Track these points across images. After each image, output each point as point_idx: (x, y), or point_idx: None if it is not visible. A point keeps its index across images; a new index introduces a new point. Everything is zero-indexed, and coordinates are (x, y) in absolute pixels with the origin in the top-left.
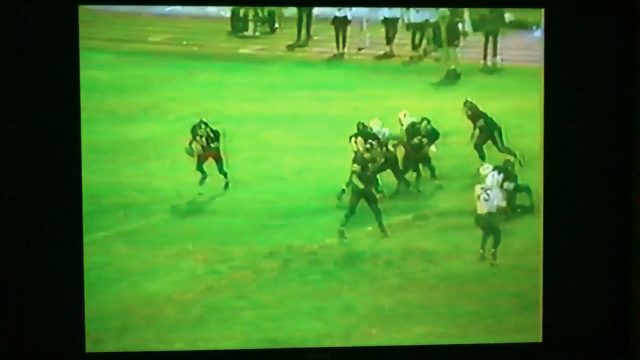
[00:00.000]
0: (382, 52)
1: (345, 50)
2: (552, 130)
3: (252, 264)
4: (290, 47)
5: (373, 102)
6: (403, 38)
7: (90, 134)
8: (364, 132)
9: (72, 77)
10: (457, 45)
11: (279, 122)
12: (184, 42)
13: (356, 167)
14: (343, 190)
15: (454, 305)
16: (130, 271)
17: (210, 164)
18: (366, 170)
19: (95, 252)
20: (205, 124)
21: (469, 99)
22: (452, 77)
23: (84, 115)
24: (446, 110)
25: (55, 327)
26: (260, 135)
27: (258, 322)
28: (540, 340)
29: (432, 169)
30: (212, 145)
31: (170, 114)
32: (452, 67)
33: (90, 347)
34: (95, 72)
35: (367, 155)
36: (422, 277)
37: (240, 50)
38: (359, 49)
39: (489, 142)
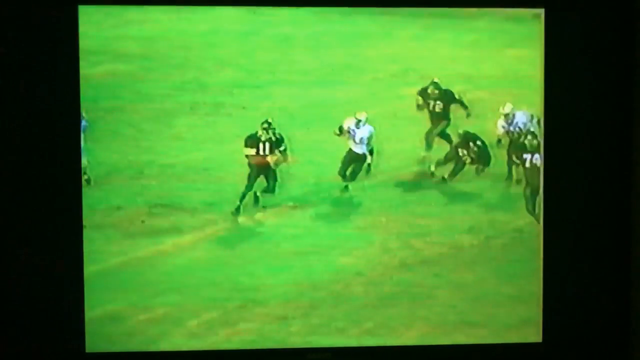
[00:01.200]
0: None
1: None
2: (552, 132)
3: (450, 240)
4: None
5: None
6: None
7: (282, 97)
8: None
9: (72, 78)
10: None
11: (484, 83)
12: None
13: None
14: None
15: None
16: (317, 244)
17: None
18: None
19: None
20: (270, 124)
21: (435, 80)
22: None
23: (269, 77)
24: None
25: (57, 327)
26: (465, 97)
27: (455, 303)
28: (540, 340)
29: None
30: (277, 150)
31: (367, 74)
32: None
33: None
34: (286, 28)
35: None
36: None
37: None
38: None
39: None
